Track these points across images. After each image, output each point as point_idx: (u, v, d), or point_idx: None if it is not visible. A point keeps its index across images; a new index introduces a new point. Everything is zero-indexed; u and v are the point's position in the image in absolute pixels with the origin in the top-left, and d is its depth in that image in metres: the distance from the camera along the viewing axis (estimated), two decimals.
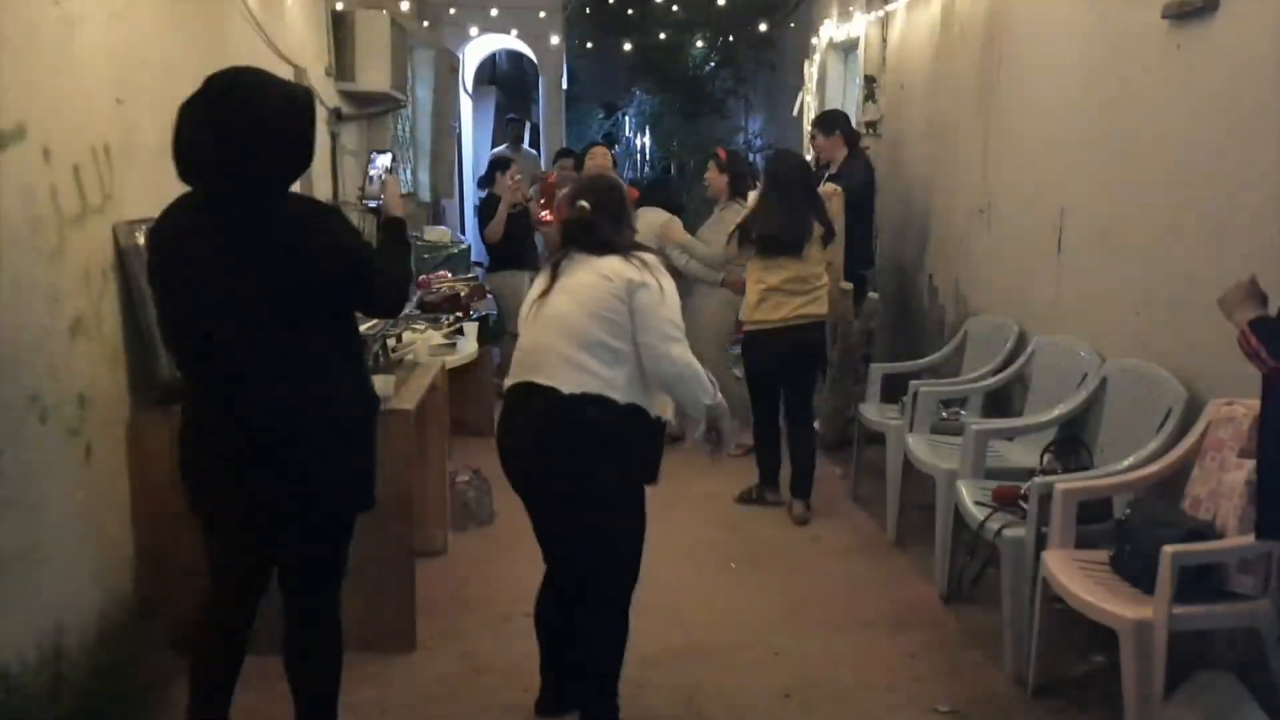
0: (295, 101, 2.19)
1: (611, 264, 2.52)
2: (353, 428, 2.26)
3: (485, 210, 6.16)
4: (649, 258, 2.57)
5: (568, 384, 2.45)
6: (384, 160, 2.71)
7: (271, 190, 2.15)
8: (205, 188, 2.13)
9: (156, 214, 2.26)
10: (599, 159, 5.74)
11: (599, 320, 2.46)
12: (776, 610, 3.52)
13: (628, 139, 15.73)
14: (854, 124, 5.79)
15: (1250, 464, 2.48)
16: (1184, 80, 3.02)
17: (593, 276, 2.51)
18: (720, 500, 4.56)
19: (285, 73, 4.79)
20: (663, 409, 2.60)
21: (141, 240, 2.71)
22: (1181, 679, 2.44)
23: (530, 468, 2.57)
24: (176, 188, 2.20)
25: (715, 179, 5.20)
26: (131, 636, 2.78)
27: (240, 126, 2.08)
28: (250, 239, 2.09)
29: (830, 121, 5.47)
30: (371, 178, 2.61)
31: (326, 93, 5.39)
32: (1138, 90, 3.28)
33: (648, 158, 14.79)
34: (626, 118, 15.42)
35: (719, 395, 2.62)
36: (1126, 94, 3.35)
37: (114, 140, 2.81)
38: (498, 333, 5.47)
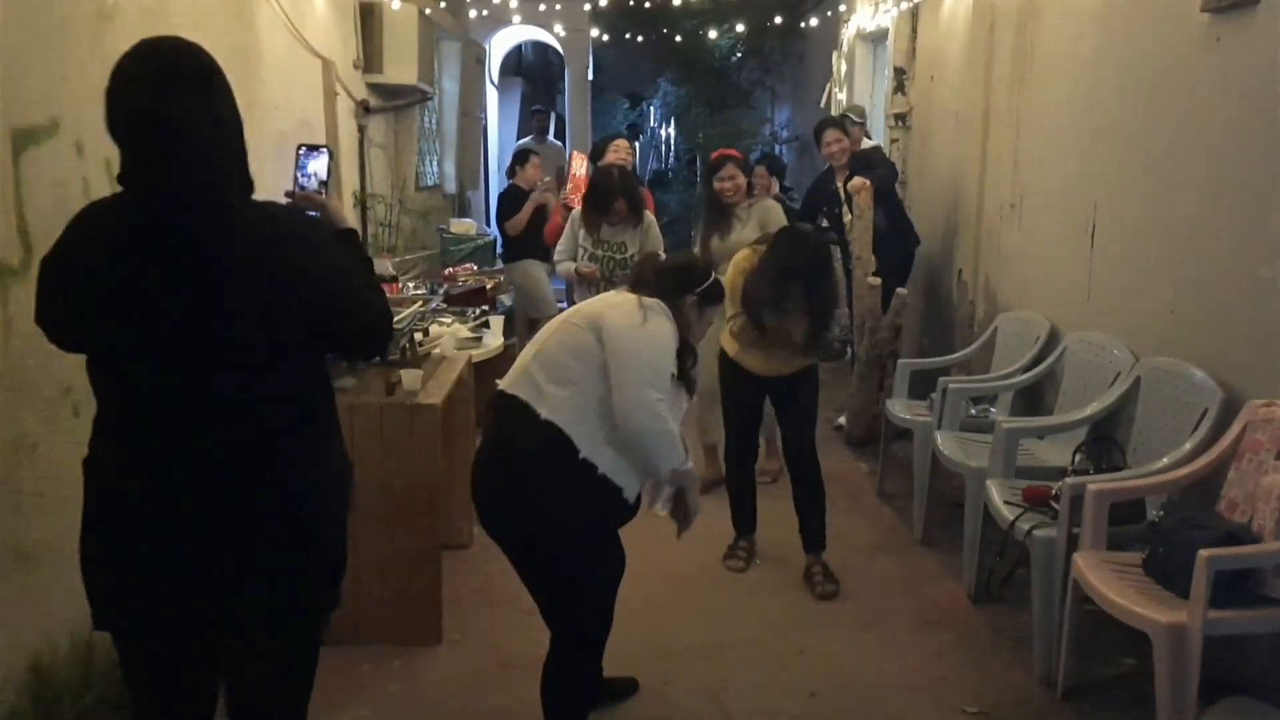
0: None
1: (614, 298, 2.47)
2: (331, 508, 1.82)
3: (509, 201, 6.15)
4: (650, 302, 2.41)
5: (508, 382, 2.38)
6: (320, 162, 1.97)
7: (247, 188, 1.72)
8: (167, 185, 1.62)
9: None
10: (622, 152, 5.64)
11: (564, 331, 2.37)
12: (801, 607, 3.50)
13: (652, 129, 15.67)
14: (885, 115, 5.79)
15: None
16: (1223, 75, 2.96)
17: (593, 301, 2.50)
18: None
19: (314, 66, 4.81)
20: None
21: None
22: (1215, 684, 2.40)
23: (475, 484, 2.45)
24: None
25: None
26: None
27: (223, 104, 1.65)
28: (226, 250, 1.63)
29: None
30: (306, 180, 1.93)
31: (354, 85, 5.40)
32: (1175, 84, 3.22)
33: (672, 149, 14.73)
34: (651, 108, 15.36)
35: (690, 463, 2.42)
36: (1164, 88, 3.29)
37: None
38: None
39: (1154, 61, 3.36)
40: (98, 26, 2.63)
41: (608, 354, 2.28)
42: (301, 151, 1.97)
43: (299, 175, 1.96)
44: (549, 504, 2.28)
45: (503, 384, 2.40)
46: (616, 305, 2.41)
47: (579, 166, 5.50)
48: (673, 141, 14.64)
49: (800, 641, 3.25)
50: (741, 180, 4.63)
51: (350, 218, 2.06)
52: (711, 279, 2.61)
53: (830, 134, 5.35)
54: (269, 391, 1.69)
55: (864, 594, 3.61)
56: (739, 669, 3.08)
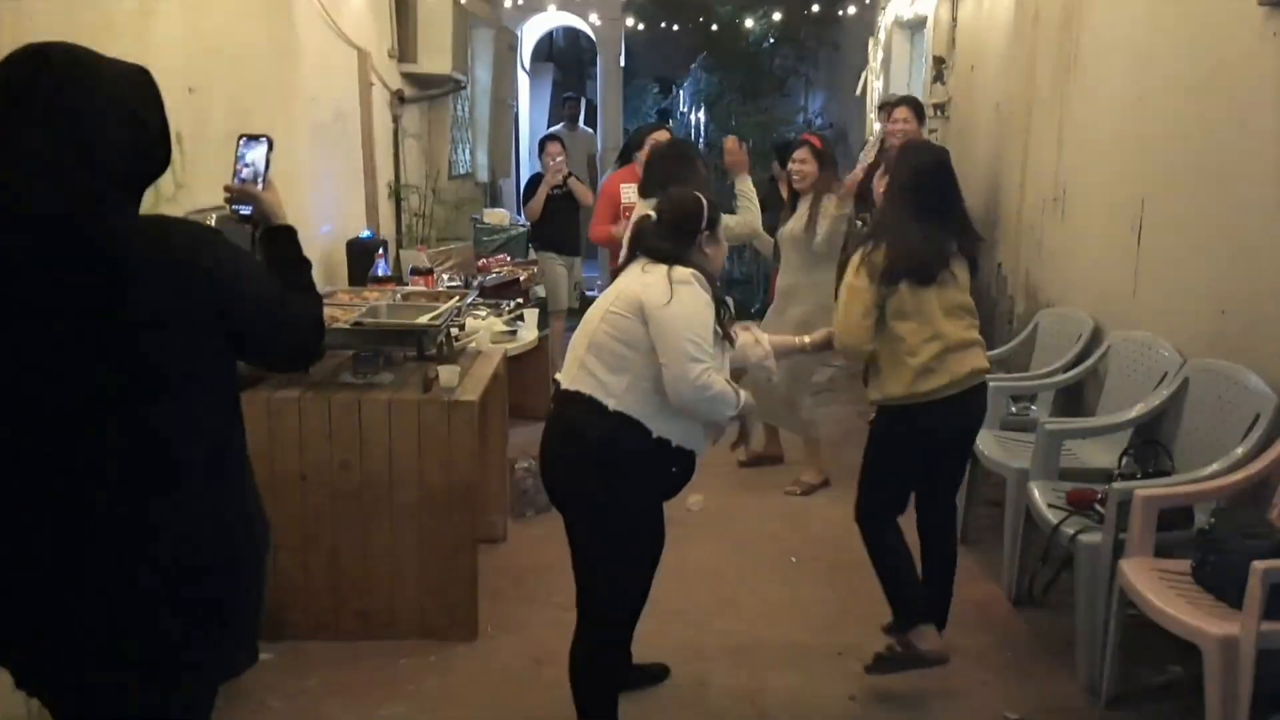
0: (132, 78, 1.57)
1: (646, 277, 2.43)
2: (250, 556, 1.62)
3: (529, 187, 6.17)
4: (680, 274, 2.40)
5: (568, 379, 2.45)
6: (259, 153, 1.81)
7: (129, 205, 1.54)
8: (37, 209, 1.43)
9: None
10: (665, 134, 5.50)
11: (610, 321, 2.41)
12: (839, 607, 3.47)
13: (682, 114, 15.58)
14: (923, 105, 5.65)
15: None
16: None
17: (626, 281, 2.48)
18: (778, 492, 4.50)
19: (350, 56, 4.80)
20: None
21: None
22: (1268, 699, 2.35)
23: (542, 463, 2.56)
24: None
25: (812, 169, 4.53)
26: None
27: (82, 119, 1.46)
28: (109, 274, 1.45)
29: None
30: (242, 172, 1.78)
31: (389, 75, 5.39)
32: (1229, 78, 3.13)
33: (703, 135, 14.65)
34: (682, 94, 15.26)
35: (743, 397, 2.45)
36: (1216, 81, 3.21)
37: (186, 129, 2.82)
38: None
39: (1207, 54, 3.27)
40: (141, 23, 2.63)
41: (653, 337, 2.35)
42: (241, 142, 1.82)
43: (239, 167, 1.79)
44: (623, 485, 2.41)
45: (564, 382, 2.46)
46: (650, 285, 2.40)
47: (628, 198, 4.69)
48: (703, 127, 14.55)
49: (838, 641, 3.22)
50: (811, 167, 4.50)
51: (383, 207, 1.98)
52: (705, 202, 2.55)
53: (901, 110, 4.88)
54: (172, 418, 1.50)
55: None
56: (777, 670, 3.06)
